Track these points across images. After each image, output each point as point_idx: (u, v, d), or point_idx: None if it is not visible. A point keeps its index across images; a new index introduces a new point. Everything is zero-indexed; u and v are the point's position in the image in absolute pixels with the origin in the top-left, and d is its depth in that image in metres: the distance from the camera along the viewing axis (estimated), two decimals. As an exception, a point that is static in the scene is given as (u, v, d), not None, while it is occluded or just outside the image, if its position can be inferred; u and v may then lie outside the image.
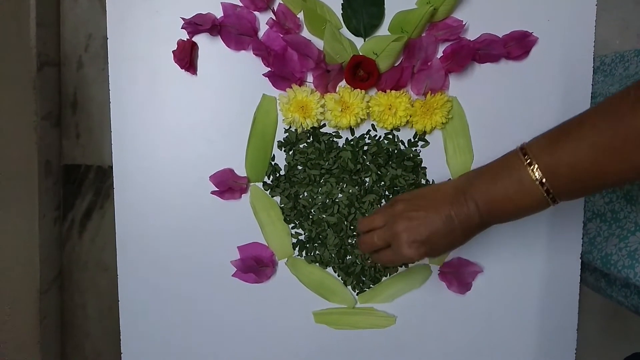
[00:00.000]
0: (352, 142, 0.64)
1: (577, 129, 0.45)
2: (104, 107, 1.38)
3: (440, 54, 0.63)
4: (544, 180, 0.45)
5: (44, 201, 1.35)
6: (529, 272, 0.67)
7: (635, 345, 1.39)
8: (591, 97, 0.65)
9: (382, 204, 0.65)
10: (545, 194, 0.46)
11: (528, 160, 0.46)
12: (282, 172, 0.65)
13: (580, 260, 0.67)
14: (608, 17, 1.36)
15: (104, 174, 1.42)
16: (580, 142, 0.44)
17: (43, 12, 1.32)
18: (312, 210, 0.65)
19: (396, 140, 0.65)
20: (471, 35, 0.63)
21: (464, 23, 0.62)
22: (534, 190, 0.46)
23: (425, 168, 0.65)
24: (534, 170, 0.46)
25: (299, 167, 0.65)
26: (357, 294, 0.67)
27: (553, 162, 0.45)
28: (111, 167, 0.66)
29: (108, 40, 0.64)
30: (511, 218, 0.50)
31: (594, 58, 0.64)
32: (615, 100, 0.44)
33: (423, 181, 0.65)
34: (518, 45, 0.62)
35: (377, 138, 0.65)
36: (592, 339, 1.38)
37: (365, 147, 0.64)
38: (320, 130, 0.65)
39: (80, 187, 1.44)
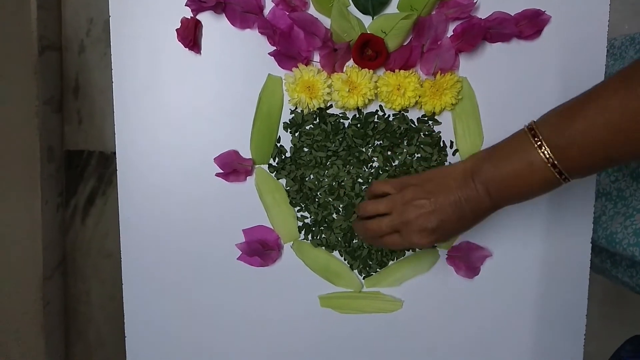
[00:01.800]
0: (359, 118, 0.63)
1: (587, 107, 0.44)
2: (106, 92, 1.37)
3: (450, 32, 0.61)
4: (555, 162, 0.45)
5: (46, 187, 1.34)
6: (538, 256, 0.66)
7: (636, 331, 1.39)
8: (603, 80, 0.63)
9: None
10: (556, 174, 0.46)
11: (538, 143, 0.45)
12: (288, 154, 0.64)
13: (590, 245, 0.66)
14: (617, 2, 1.34)
15: (107, 160, 1.41)
16: (591, 121, 0.43)
17: (44, -5, 1.30)
18: (319, 193, 0.64)
19: (406, 118, 0.63)
20: (482, 13, 0.61)
21: (475, 1, 0.60)
22: (545, 171, 0.46)
23: (445, 146, 0.64)
24: (545, 152, 0.45)
25: (305, 149, 0.64)
26: (363, 278, 0.66)
27: (563, 143, 0.44)
28: (114, 153, 0.65)
29: (110, 20, 0.62)
30: (522, 199, 0.50)
31: None
32: (625, 74, 0.42)
33: (445, 162, 0.64)
34: (530, 24, 0.61)
35: (385, 117, 0.63)
36: (593, 325, 1.37)
37: (374, 125, 0.63)
38: (327, 111, 0.63)
39: (82, 173, 1.43)
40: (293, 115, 0.63)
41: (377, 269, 0.66)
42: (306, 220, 0.65)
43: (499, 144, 0.50)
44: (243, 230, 0.65)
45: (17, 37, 1.25)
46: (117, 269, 0.66)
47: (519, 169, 0.47)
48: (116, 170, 0.64)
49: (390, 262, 0.66)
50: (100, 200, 1.43)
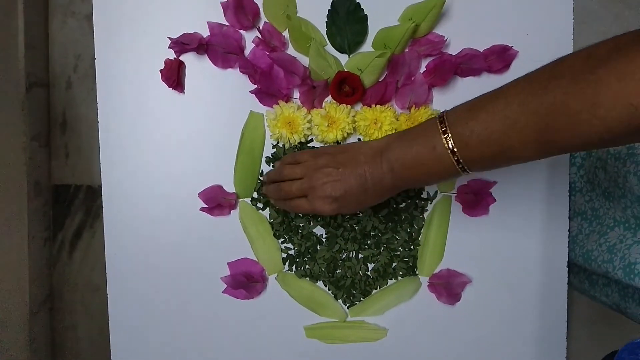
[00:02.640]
0: None
1: (491, 102, 0.45)
2: (93, 126, 1.38)
3: (423, 68, 0.64)
4: (455, 149, 0.47)
5: (33, 222, 1.34)
6: (517, 281, 0.67)
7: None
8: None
9: (376, 215, 0.66)
10: (455, 163, 0.47)
11: (443, 129, 0.47)
12: (271, 188, 0.66)
13: (567, 268, 0.68)
14: (588, 30, 1.40)
15: (94, 194, 1.42)
16: (492, 115, 0.44)
17: (32, 34, 1.33)
18: (301, 224, 0.66)
19: None
20: (453, 50, 0.64)
21: (445, 38, 0.63)
22: (445, 158, 0.47)
23: None
24: (447, 139, 0.47)
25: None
26: (347, 308, 0.67)
27: (465, 132, 0.46)
28: (101, 187, 0.66)
29: (95, 61, 0.65)
30: (422, 183, 0.54)
31: None
32: (532, 76, 0.44)
33: (423, 191, 0.66)
34: (499, 59, 0.64)
35: None
36: (582, 345, 1.39)
37: None
38: (308, 145, 0.65)
39: (70, 207, 1.43)
40: (275, 149, 0.65)
41: (361, 298, 0.67)
42: (290, 252, 0.66)
43: (411, 127, 0.53)
44: (228, 263, 0.66)
45: (5, 75, 1.27)
46: (105, 303, 0.67)
47: (422, 152, 0.49)
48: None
49: (374, 291, 0.67)
50: (88, 234, 1.43)
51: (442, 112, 0.49)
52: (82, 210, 1.43)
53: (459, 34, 0.64)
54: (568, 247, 0.67)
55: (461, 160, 0.47)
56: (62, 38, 1.41)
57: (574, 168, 0.74)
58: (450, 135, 0.47)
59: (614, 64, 0.37)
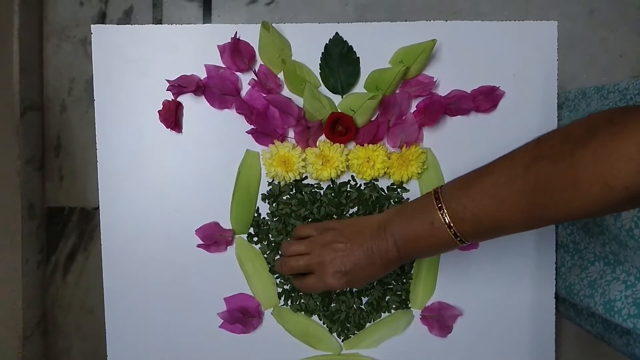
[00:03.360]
0: (333, 188, 0.67)
1: (480, 180, 0.48)
2: (87, 149, 1.40)
3: (413, 108, 0.66)
4: (451, 224, 0.49)
5: (27, 245, 1.34)
6: (507, 312, 0.69)
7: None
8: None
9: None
10: (452, 236, 0.49)
11: (439, 205, 0.49)
12: (266, 224, 0.67)
13: (554, 300, 0.70)
14: (575, 53, 1.43)
15: (88, 216, 1.42)
16: (482, 194, 0.47)
17: (26, 58, 1.34)
18: (297, 260, 0.67)
19: (377, 187, 0.67)
20: (442, 90, 0.66)
21: (435, 80, 0.65)
22: (443, 232, 0.49)
23: None
24: (444, 214, 0.49)
25: (283, 218, 0.67)
26: (342, 341, 0.69)
27: (459, 208, 0.48)
28: (95, 209, 0.67)
29: (95, 102, 0.66)
30: (425, 255, 0.55)
31: (559, 93, 0.69)
32: (515, 154, 0.47)
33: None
34: (486, 99, 0.66)
35: (357, 186, 0.67)
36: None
37: (347, 194, 0.67)
38: (302, 182, 0.67)
39: (63, 229, 1.44)
40: (271, 187, 0.67)
41: (355, 331, 0.68)
42: (285, 286, 0.68)
43: (410, 202, 0.55)
44: (224, 298, 0.67)
45: (-1, 99, 1.27)
46: (98, 325, 0.68)
47: (421, 227, 0.51)
48: (98, 225, 0.66)
49: (368, 324, 0.68)
50: (82, 256, 1.43)
51: (437, 188, 0.51)
52: (76, 233, 1.43)
53: (448, 76, 0.66)
54: (554, 279, 0.69)
55: (458, 234, 0.49)
56: (57, 62, 1.42)
57: None
58: (445, 211, 0.49)
59: (589, 147, 0.40)
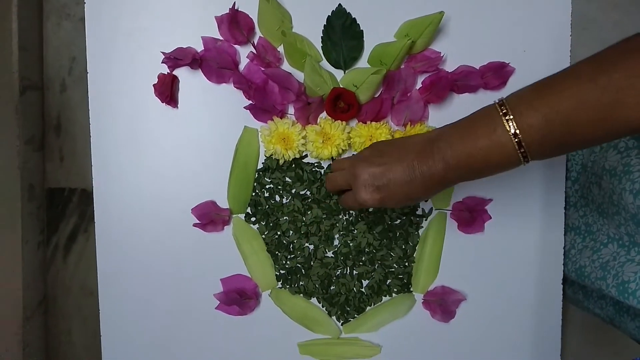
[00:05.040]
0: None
1: (558, 81, 0.44)
2: (87, 130, 1.37)
3: (419, 85, 0.63)
4: (517, 132, 0.44)
5: (27, 226, 1.33)
6: (512, 298, 0.67)
7: (620, 355, 1.40)
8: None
9: (371, 232, 0.65)
10: (517, 148, 0.44)
11: (504, 111, 0.44)
12: (264, 203, 0.65)
13: (562, 285, 0.67)
14: (588, 36, 1.39)
15: (88, 197, 1.41)
16: (560, 95, 0.42)
17: (25, 36, 1.31)
18: (295, 240, 0.65)
19: None
20: (449, 66, 0.64)
21: (441, 55, 0.63)
22: (506, 144, 0.44)
23: None
24: (509, 121, 0.44)
25: (282, 198, 0.65)
26: (341, 324, 0.67)
27: (529, 113, 0.43)
28: None
29: (88, 75, 0.64)
30: (477, 175, 0.48)
31: None
32: (599, 56, 0.43)
33: (418, 208, 0.66)
34: (495, 75, 0.63)
35: None
36: (578, 351, 1.39)
37: None
38: (303, 160, 0.65)
39: (64, 210, 1.42)
40: (269, 161, 0.64)
41: (355, 315, 0.66)
42: (283, 269, 0.66)
43: (468, 116, 0.49)
44: (221, 279, 0.65)
45: (-2, 78, 1.26)
46: (99, 307, 0.67)
47: (480, 139, 0.45)
48: None
49: (368, 308, 0.67)
50: (82, 237, 1.42)
51: (500, 98, 0.46)
52: (77, 214, 1.42)
53: (456, 51, 0.63)
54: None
55: (523, 144, 0.44)
56: (57, 41, 1.40)
57: (569, 182, 0.74)
58: (512, 117, 0.44)
59: None
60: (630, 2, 1.37)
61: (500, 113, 0.44)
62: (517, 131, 0.43)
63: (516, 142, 0.44)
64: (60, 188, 1.42)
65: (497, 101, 0.46)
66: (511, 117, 0.44)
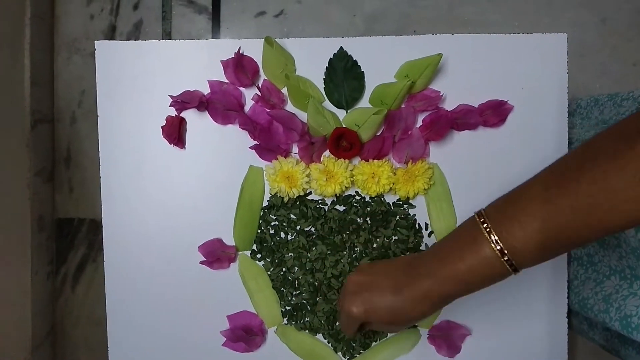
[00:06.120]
0: (339, 201, 0.66)
1: (528, 201, 0.43)
2: (96, 161, 1.39)
3: (419, 123, 0.65)
4: (505, 250, 0.43)
5: (36, 257, 1.35)
6: (516, 331, 0.67)
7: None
8: (568, 142, 0.67)
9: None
10: (507, 265, 0.43)
11: (487, 229, 0.44)
12: (270, 240, 0.66)
13: (567, 319, 0.67)
14: (587, 63, 1.41)
15: (97, 227, 1.43)
16: (533, 216, 0.42)
17: (37, 71, 1.35)
18: (300, 277, 0.66)
19: (383, 201, 0.66)
20: (449, 105, 0.65)
21: (441, 94, 0.64)
22: (493, 261, 0.44)
23: (421, 228, 0.66)
24: (494, 240, 0.43)
25: (287, 235, 0.66)
26: (347, 360, 0.67)
27: (506, 221, 0.43)
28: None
29: (98, 118, 0.66)
30: (466, 293, 0.47)
31: (569, 102, 0.67)
32: (559, 165, 0.43)
33: (421, 244, 0.66)
34: (494, 113, 0.65)
35: (363, 200, 0.66)
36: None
37: (354, 209, 0.66)
38: (307, 197, 0.66)
39: (73, 240, 1.44)
40: (273, 199, 0.66)
41: (361, 351, 0.67)
42: (289, 305, 0.67)
43: (448, 234, 0.48)
44: (227, 316, 0.66)
45: (10, 112, 1.29)
46: (106, 337, 0.67)
47: (467, 258, 0.45)
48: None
49: (373, 344, 0.67)
50: (91, 267, 1.44)
51: (478, 211, 0.46)
52: (85, 244, 1.44)
53: (455, 90, 0.65)
54: (565, 295, 0.67)
55: (513, 261, 0.43)
56: (67, 74, 1.43)
57: None
58: (495, 237, 0.43)
59: None
60: (628, 28, 1.39)
61: (485, 233, 0.44)
62: (505, 250, 0.43)
63: (506, 259, 0.43)
64: (69, 218, 1.44)
65: (476, 214, 0.46)
66: (495, 237, 0.43)
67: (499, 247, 0.43)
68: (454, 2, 1.32)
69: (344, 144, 0.64)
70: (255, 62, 0.64)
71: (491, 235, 0.43)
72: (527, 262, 0.44)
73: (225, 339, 0.66)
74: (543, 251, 0.43)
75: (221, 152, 0.66)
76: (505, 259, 0.43)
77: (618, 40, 1.41)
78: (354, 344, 0.67)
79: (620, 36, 1.40)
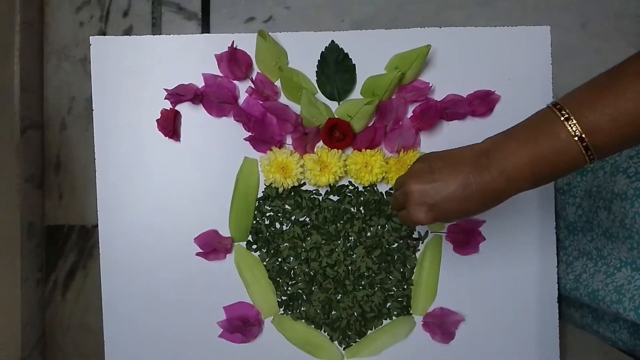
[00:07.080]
0: (332, 191, 0.67)
1: (615, 80, 0.43)
2: (87, 167, 1.40)
3: (410, 114, 0.67)
4: (583, 135, 0.42)
5: (25, 264, 1.33)
6: (509, 316, 0.69)
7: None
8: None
9: (369, 256, 0.67)
10: (584, 151, 0.43)
11: (565, 116, 0.43)
12: (265, 231, 0.67)
13: (557, 305, 0.69)
14: (570, 65, 1.45)
15: (87, 234, 1.42)
16: (624, 94, 0.41)
17: (27, 77, 1.35)
18: (296, 267, 0.67)
19: (376, 190, 0.67)
20: (438, 95, 0.67)
21: (430, 85, 0.66)
22: (571, 148, 0.43)
23: None
24: (572, 124, 0.43)
25: (282, 225, 0.67)
26: (343, 349, 0.68)
27: (593, 115, 0.42)
28: (94, 226, 0.67)
29: (93, 112, 0.67)
30: (541, 182, 0.46)
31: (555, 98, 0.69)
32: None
33: (414, 232, 0.68)
34: (482, 103, 0.67)
35: (356, 189, 0.67)
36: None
37: (348, 199, 0.67)
38: (301, 188, 0.67)
39: (63, 247, 1.43)
40: (268, 190, 0.67)
41: (357, 339, 0.67)
42: (285, 295, 0.67)
43: (519, 123, 0.47)
44: (224, 307, 0.67)
45: (0, 118, 1.28)
46: (98, 345, 0.67)
47: (542, 146, 0.44)
48: (98, 242, 0.66)
49: (369, 332, 0.68)
50: (81, 274, 1.42)
51: (553, 101, 0.45)
52: (75, 251, 1.43)
53: (444, 81, 0.67)
54: (572, 286, 0.68)
55: (590, 147, 0.43)
56: (57, 81, 1.43)
57: (573, 208, 0.74)
58: (575, 121, 0.42)
59: None
60: (612, 30, 1.43)
61: (562, 118, 0.43)
62: (584, 135, 0.43)
63: (583, 145, 0.43)
64: (59, 225, 1.43)
65: (551, 105, 0.45)
66: (574, 121, 0.43)
67: (578, 132, 0.42)
68: (441, 7, 1.36)
69: (337, 134, 0.66)
70: (249, 56, 0.66)
71: (570, 120, 0.43)
72: (604, 149, 0.43)
73: (222, 329, 0.66)
74: (621, 138, 0.43)
75: (216, 144, 0.67)
76: (584, 144, 0.43)
77: (600, 43, 1.45)
78: (350, 333, 0.67)
79: (602, 39, 1.44)
